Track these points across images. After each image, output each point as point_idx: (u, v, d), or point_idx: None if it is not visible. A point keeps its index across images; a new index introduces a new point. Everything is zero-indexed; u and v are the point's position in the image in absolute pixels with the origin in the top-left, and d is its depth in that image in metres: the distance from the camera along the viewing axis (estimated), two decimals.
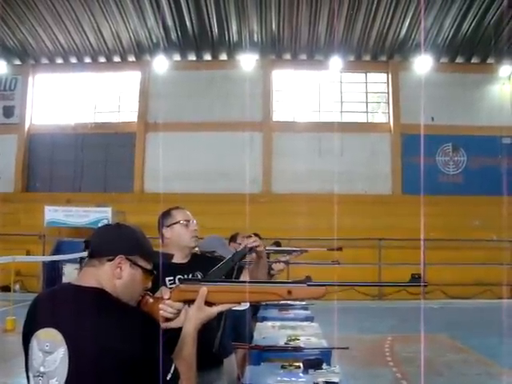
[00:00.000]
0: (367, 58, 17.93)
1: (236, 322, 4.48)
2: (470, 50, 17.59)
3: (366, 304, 13.58)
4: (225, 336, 2.42)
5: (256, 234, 3.97)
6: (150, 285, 1.56)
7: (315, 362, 3.21)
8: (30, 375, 1.38)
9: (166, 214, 2.60)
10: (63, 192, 17.25)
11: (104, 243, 1.46)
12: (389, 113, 18.09)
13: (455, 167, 18.01)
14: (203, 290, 1.49)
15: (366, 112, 18.27)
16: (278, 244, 6.47)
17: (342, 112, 18.12)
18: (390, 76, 18.04)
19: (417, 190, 14.34)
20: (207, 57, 18.30)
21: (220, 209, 14.95)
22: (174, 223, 2.55)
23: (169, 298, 1.55)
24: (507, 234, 13.90)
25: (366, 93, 18.33)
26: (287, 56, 18.06)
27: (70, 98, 18.72)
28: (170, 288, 1.66)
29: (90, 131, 18.13)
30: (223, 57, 18.24)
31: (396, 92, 17.87)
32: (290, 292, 1.48)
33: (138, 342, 1.33)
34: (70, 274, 12.64)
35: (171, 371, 1.36)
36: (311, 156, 17.16)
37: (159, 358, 1.32)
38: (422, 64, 17.27)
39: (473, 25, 16.40)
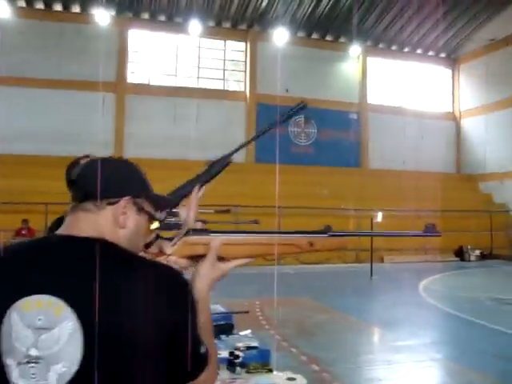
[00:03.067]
0: (227, 25, 19.82)
1: None
2: (326, 28, 20.39)
3: None
4: None
5: None
6: (151, 238, 1.38)
7: (226, 326, 3.25)
8: (9, 362, 1.09)
9: (74, 165, 2.42)
10: None
11: (103, 182, 1.19)
12: (245, 82, 20.11)
13: (306, 138, 20.51)
14: (216, 241, 1.35)
15: (223, 79, 20.12)
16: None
17: (198, 78, 19.73)
18: (248, 45, 20.12)
19: (269, 159, 16.61)
20: (57, 7, 18.77)
21: None
22: None
23: (170, 254, 1.38)
24: (353, 203, 16.10)
25: (224, 60, 20.22)
26: (145, 15, 19.32)
27: None
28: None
29: None
30: (76, 9, 19.01)
31: (253, 61, 19.98)
32: (311, 243, 1.41)
33: (172, 306, 1.14)
34: None
35: (203, 342, 1.22)
36: (166, 121, 18.65)
37: (193, 327, 1.17)
38: (280, 36, 19.52)
39: (330, 4, 19.16)
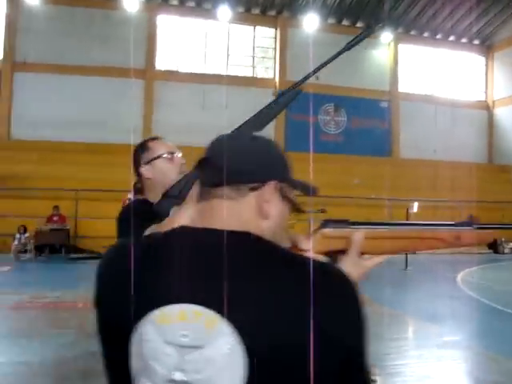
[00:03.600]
0: (257, 11, 19.50)
1: None
2: (356, 14, 19.82)
3: None
4: None
5: None
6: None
7: None
8: None
9: (143, 148, 2.29)
10: None
11: (246, 162, 0.97)
12: (275, 68, 19.76)
13: (336, 127, 20.21)
14: (358, 235, 1.20)
15: (253, 66, 19.79)
16: None
17: (227, 65, 19.42)
18: (278, 31, 19.70)
19: (299, 147, 16.35)
20: None
21: (97, 159, 15.79)
22: (155, 158, 2.25)
23: (307, 250, 1.18)
24: (384, 192, 15.83)
25: (254, 47, 19.82)
26: (174, 1, 19.05)
27: None
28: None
29: None
30: None
31: (283, 48, 19.68)
32: (458, 237, 1.26)
33: (347, 320, 0.89)
34: None
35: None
36: (194, 108, 18.47)
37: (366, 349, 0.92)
38: (310, 22, 19.12)
39: None
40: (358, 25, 20.76)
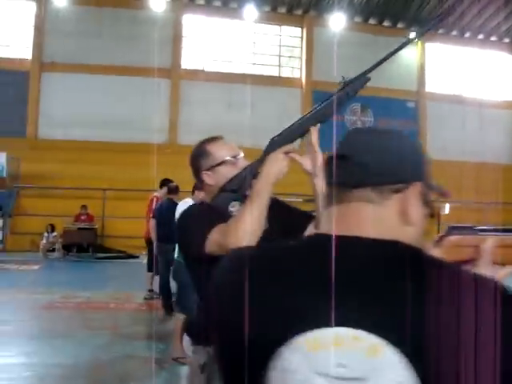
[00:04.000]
0: (283, 10, 19.36)
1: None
2: (383, 13, 19.64)
3: None
4: None
5: None
6: None
7: None
8: None
9: (202, 153, 2.13)
10: None
11: (385, 161, 0.85)
12: (301, 68, 19.60)
13: (363, 127, 19.93)
14: (490, 243, 1.07)
15: (279, 66, 19.69)
16: None
17: (253, 64, 19.32)
18: (304, 31, 19.57)
19: (326, 146, 16.15)
20: None
21: (123, 159, 15.85)
22: (218, 164, 2.09)
23: None
24: None
25: (280, 46, 19.71)
26: (200, 1, 18.96)
27: None
28: None
29: None
30: None
31: (310, 47, 19.53)
32: None
33: None
34: None
35: None
36: (221, 107, 18.40)
37: None
38: (337, 21, 18.95)
39: None
40: (385, 24, 20.50)
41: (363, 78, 1.85)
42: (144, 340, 6.21)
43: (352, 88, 1.82)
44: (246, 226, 1.80)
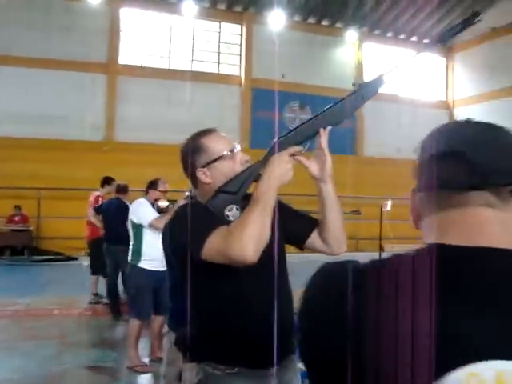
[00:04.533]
0: (222, 6, 19.23)
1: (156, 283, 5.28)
2: (322, 12, 19.81)
3: None
4: None
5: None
6: None
7: None
8: None
9: (197, 148, 1.94)
10: None
11: (501, 159, 0.76)
12: (241, 65, 19.51)
13: None
14: None
15: (218, 63, 19.48)
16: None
17: (192, 60, 19.07)
18: (244, 28, 19.45)
19: (264, 144, 16.12)
20: None
21: (57, 156, 15.32)
22: (215, 160, 1.92)
23: None
24: (350, 190, 15.75)
25: (219, 43, 19.49)
26: None
27: None
28: None
29: None
30: None
31: (249, 45, 19.47)
32: None
33: None
34: None
35: None
36: (159, 104, 18.06)
37: None
38: (276, 19, 18.95)
39: None
40: (324, 23, 20.73)
41: (378, 80, 1.78)
42: (95, 348, 5.95)
43: (367, 90, 1.81)
44: (252, 233, 1.65)
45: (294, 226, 2.03)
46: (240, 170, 1.92)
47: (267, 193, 1.73)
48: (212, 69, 19.64)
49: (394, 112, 20.92)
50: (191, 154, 1.94)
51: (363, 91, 1.80)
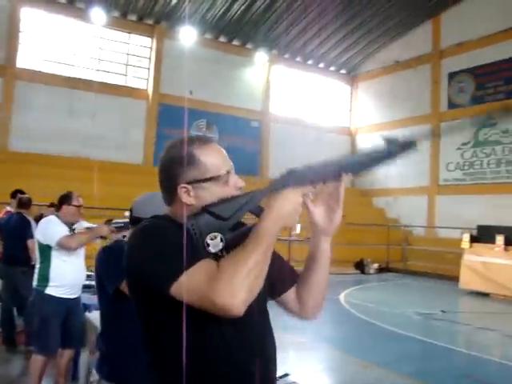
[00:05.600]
0: (133, 17, 18.78)
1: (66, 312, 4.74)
2: (234, 32, 19.88)
3: None
4: None
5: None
6: None
7: None
8: None
9: (187, 159, 1.56)
10: None
11: None
12: (148, 79, 19.09)
13: None
14: None
15: (126, 75, 18.93)
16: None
17: (98, 70, 18.40)
18: (154, 42, 19.08)
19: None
20: None
21: None
22: (208, 179, 1.56)
23: None
24: None
25: (128, 55, 18.96)
26: None
27: None
28: None
29: None
30: None
31: (159, 59, 19.18)
32: None
33: None
34: None
35: None
36: (61, 114, 17.22)
37: None
38: (188, 35, 18.79)
39: (241, 9, 18.56)
40: (235, 43, 20.81)
41: (410, 143, 1.47)
42: None
43: (397, 149, 1.47)
44: (247, 279, 1.34)
45: (275, 273, 1.63)
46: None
47: (271, 232, 1.42)
48: (119, 81, 19.00)
49: (299, 136, 21.33)
50: (178, 163, 1.54)
51: (392, 147, 1.47)
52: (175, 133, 17.32)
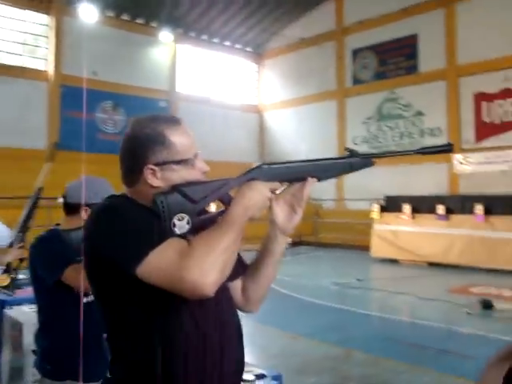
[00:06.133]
0: None
1: None
2: (136, 10, 19.27)
3: None
4: None
5: None
6: None
7: None
8: None
9: (157, 139, 1.51)
10: None
11: None
12: (48, 60, 18.22)
13: (114, 126, 19.44)
14: None
15: (22, 55, 17.93)
16: None
17: None
18: (52, 19, 18.20)
19: (73, 146, 15.24)
20: None
21: None
22: (179, 162, 1.53)
23: None
24: None
25: (24, 33, 17.96)
26: None
27: None
28: None
29: None
30: None
31: (58, 38, 18.40)
32: None
33: None
34: None
35: None
36: None
37: None
38: (88, 13, 17.98)
39: None
40: (138, 21, 20.25)
41: (370, 160, 1.57)
42: None
43: (357, 163, 1.57)
44: (219, 260, 1.31)
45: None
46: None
47: (242, 219, 1.41)
48: (15, 61, 17.94)
49: (208, 114, 21.26)
50: (146, 142, 1.49)
51: (353, 161, 1.57)
52: (80, 115, 16.71)
